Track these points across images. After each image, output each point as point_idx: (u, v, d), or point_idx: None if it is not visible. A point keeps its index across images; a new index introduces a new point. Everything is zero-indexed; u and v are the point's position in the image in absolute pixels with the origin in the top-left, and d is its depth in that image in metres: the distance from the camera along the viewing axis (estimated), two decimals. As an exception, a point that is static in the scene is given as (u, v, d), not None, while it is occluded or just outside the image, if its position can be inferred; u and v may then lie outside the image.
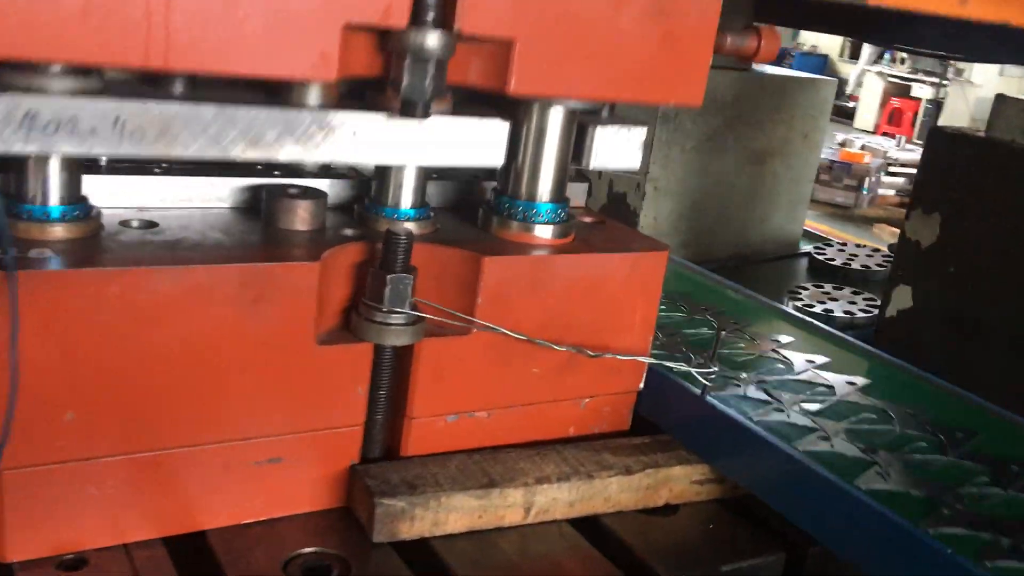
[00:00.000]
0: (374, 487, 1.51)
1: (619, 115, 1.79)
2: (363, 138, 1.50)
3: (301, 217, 1.56)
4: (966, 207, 2.34)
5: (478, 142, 1.63)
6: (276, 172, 1.69)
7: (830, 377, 1.96)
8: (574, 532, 1.62)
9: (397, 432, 1.63)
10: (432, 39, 1.38)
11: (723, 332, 1.71)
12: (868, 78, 21.21)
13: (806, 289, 4.21)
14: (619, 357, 1.69)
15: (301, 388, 1.48)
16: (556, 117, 1.66)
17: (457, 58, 1.45)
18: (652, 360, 1.76)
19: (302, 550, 1.47)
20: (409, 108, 1.44)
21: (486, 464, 1.63)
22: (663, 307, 2.16)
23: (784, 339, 2.14)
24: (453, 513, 1.54)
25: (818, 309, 3.98)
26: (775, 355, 2.03)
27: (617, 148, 1.73)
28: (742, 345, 2.06)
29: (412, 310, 1.51)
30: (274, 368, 1.44)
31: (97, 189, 1.50)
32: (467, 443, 1.68)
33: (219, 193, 1.61)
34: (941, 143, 2.40)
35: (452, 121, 1.58)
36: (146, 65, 1.22)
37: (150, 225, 1.48)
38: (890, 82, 20.42)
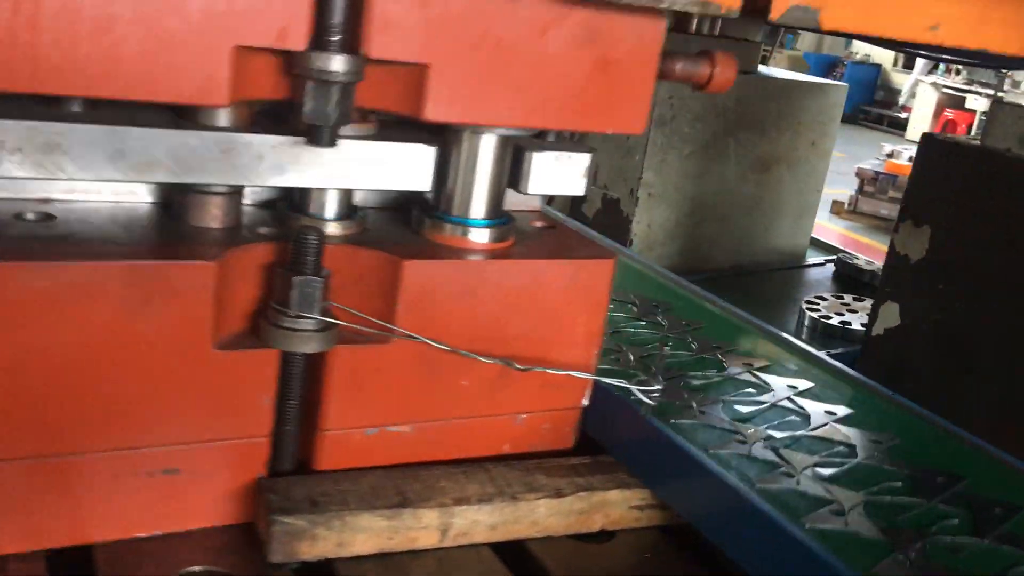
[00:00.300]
0: (274, 503, 1.41)
1: (567, 139, 1.69)
2: (270, 162, 1.42)
3: (212, 214, 1.47)
4: (958, 220, 2.18)
5: (401, 167, 1.53)
6: (199, 166, 1.60)
7: (852, 434, 1.69)
8: (493, 557, 1.52)
9: (310, 445, 1.53)
10: (334, 63, 1.29)
11: (666, 347, 1.58)
12: (922, 89, 20.82)
13: (825, 300, 4.07)
14: (550, 371, 1.58)
15: (198, 396, 1.39)
16: (488, 143, 1.56)
17: (371, 81, 1.37)
18: (589, 375, 1.65)
19: (192, 568, 1.38)
20: (315, 134, 1.36)
21: (403, 482, 1.53)
22: (675, 342, 1.98)
23: (802, 384, 1.85)
24: (360, 534, 1.44)
25: (835, 321, 3.84)
26: (790, 404, 1.76)
27: (557, 175, 1.63)
28: (751, 390, 1.80)
29: (324, 315, 1.43)
30: (167, 373, 1.36)
31: (3, 181, 1.44)
32: (389, 459, 1.58)
33: (131, 186, 1.53)
34: (933, 151, 2.24)
35: (371, 145, 1.49)
36: (12, 88, 1.16)
37: (47, 218, 1.40)
38: (944, 93, 20.00)
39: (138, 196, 1.54)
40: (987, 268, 2.12)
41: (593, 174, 3.36)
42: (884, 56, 22.95)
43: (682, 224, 3.20)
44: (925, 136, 2.32)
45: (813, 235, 4.30)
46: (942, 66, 20.64)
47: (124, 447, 1.37)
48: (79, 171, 1.30)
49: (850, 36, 1.65)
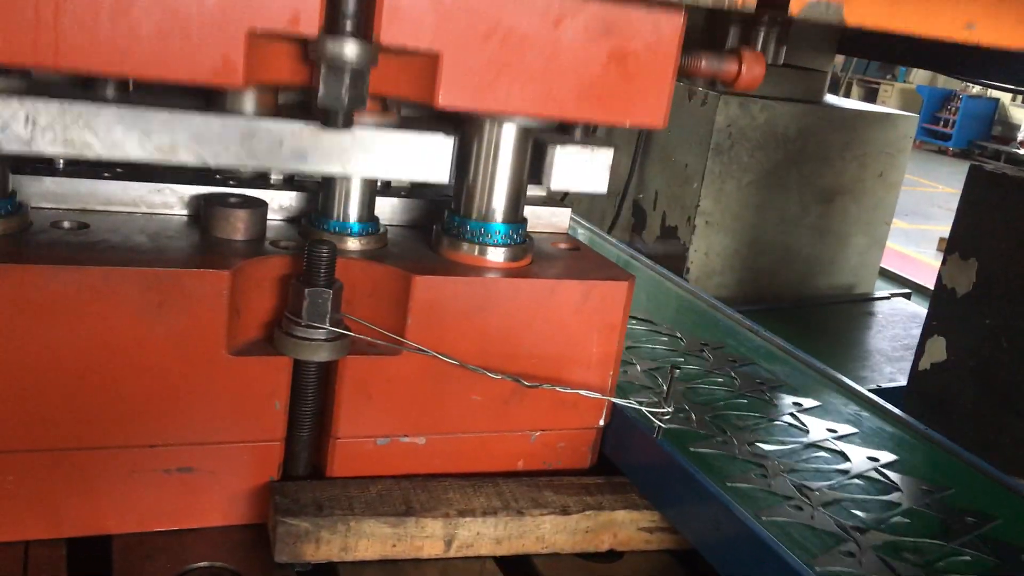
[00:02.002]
0: (280, 505, 1.47)
1: (596, 136, 1.72)
2: (290, 147, 1.48)
3: (235, 226, 1.55)
4: (1005, 253, 2.12)
5: (420, 157, 1.57)
6: (232, 182, 1.68)
7: (896, 479, 1.62)
8: (496, 570, 1.54)
9: (324, 452, 1.59)
10: (346, 49, 1.34)
11: (677, 370, 1.59)
12: (1042, 125, 20.05)
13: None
14: (558, 388, 1.60)
15: (212, 398, 1.46)
16: (508, 134, 1.60)
17: (386, 69, 1.42)
18: (597, 395, 1.66)
19: (199, 564, 1.44)
20: (328, 118, 1.41)
21: (411, 491, 1.57)
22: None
23: (844, 429, 1.81)
24: (364, 539, 1.48)
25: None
26: (831, 446, 1.73)
27: (579, 170, 1.66)
28: (792, 429, 1.76)
29: (336, 326, 1.48)
30: (182, 376, 1.43)
31: (45, 191, 1.55)
32: (401, 468, 1.62)
33: (167, 199, 1.62)
34: (980, 182, 2.19)
35: (390, 134, 1.54)
36: (37, 64, 1.23)
37: (82, 226, 1.49)
38: (1066, 130, 19.22)
39: (172, 209, 1.62)
40: (1032, 305, 2.05)
41: (652, 200, 3.38)
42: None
43: (740, 254, 3.17)
44: (973, 167, 2.25)
45: (907, 274, 4.20)
46: (1065, 102, 19.89)
47: (141, 444, 1.44)
48: (106, 150, 1.38)
49: (876, 32, 1.58)
